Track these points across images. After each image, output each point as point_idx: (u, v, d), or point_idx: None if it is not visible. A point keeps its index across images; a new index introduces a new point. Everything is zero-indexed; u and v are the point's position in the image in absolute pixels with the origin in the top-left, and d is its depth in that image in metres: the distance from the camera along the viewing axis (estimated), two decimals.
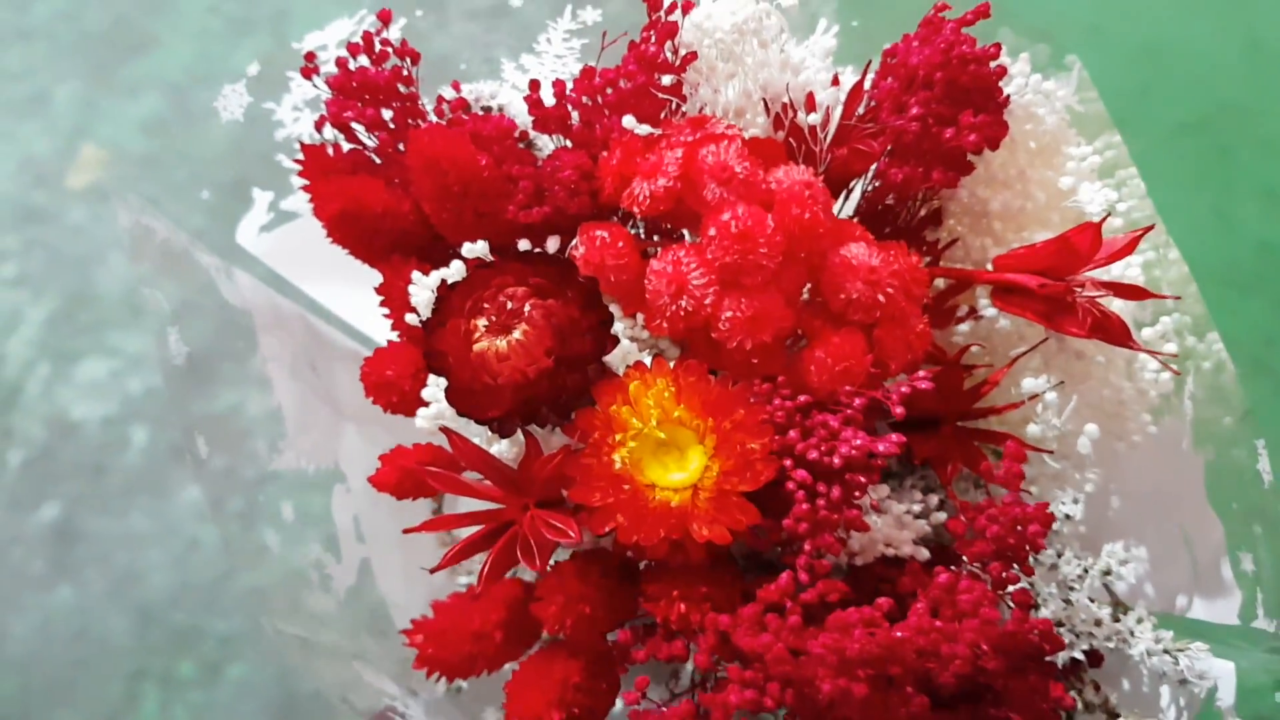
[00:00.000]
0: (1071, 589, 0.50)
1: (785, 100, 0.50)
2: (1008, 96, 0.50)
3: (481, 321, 0.43)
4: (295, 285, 0.62)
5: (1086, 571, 0.50)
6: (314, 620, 0.55)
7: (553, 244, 0.50)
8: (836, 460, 0.42)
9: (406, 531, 0.47)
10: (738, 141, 0.46)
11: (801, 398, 0.45)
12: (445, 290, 0.44)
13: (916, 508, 0.48)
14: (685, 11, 0.50)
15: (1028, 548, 0.43)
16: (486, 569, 0.46)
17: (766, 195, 0.46)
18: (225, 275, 0.58)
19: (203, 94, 1.23)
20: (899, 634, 0.40)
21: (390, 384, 0.51)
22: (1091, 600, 0.50)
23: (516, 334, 0.42)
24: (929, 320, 0.48)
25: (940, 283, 0.53)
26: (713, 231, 0.45)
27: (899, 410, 0.44)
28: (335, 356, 0.61)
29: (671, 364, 0.45)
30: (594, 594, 0.46)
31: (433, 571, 0.48)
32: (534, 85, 0.51)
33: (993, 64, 0.49)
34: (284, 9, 1.27)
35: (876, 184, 0.51)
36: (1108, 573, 0.50)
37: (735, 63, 0.50)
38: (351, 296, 0.57)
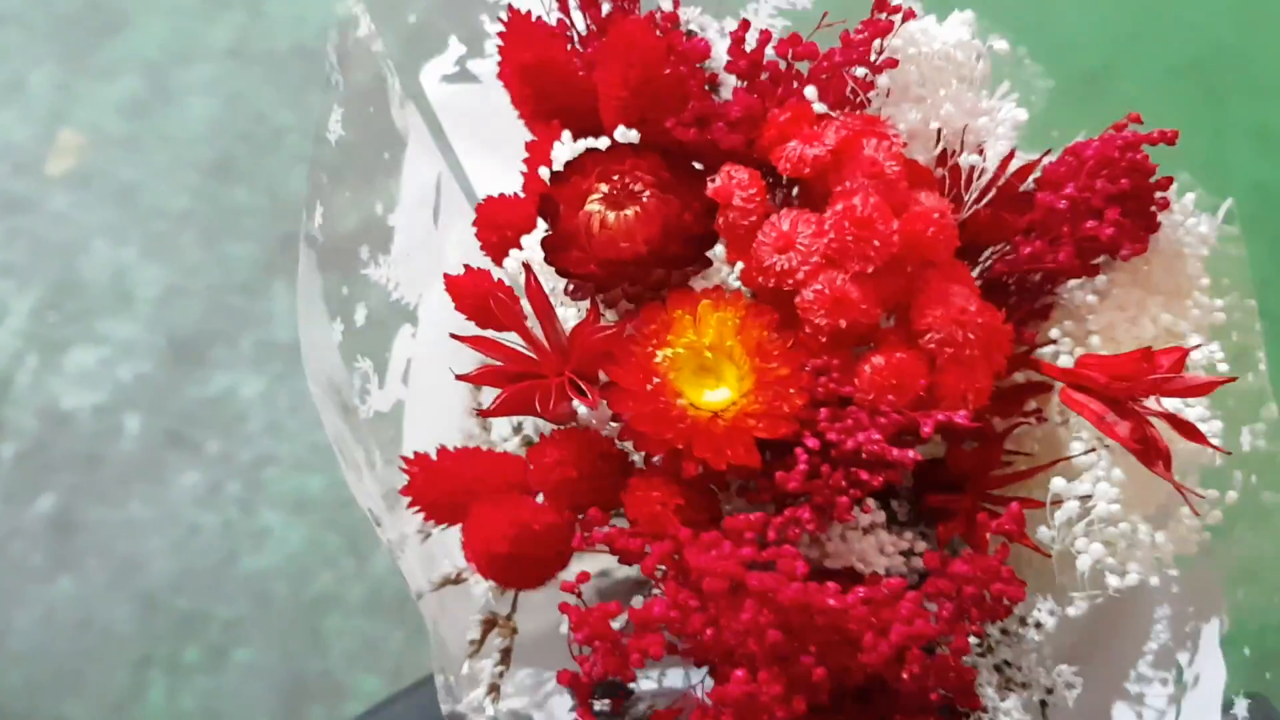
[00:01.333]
0: (1010, 690, 0.49)
1: (959, 141, 0.51)
2: (1159, 223, 0.51)
3: (603, 187, 0.46)
4: (450, 142, 0.63)
5: (1028, 684, 0.49)
6: (344, 412, 0.57)
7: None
8: (850, 443, 0.43)
9: (459, 378, 0.48)
10: (899, 148, 0.48)
11: (847, 388, 0.46)
12: (585, 154, 0.47)
13: (904, 545, 0.48)
14: (906, 19, 0.51)
15: (987, 601, 0.43)
16: (499, 400, 0.47)
17: (902, 203, 0.47)
18: (400, 97, 0.59)
19: (180, 73, 1.21)
20: (832, 601, 0.41)
21: (498, 225, 0.53)
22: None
23: (628, 211, 0.45)
24: (996, 404, 0.49)
25: (1020, 378, 0.53)
26: (839, 207, 0.46)
27: (927, 430, 0.45)
28: (455, 218, 0.61)
29: None
30: (585, 466, 0.48)
31: (458, 379, 0.49)
32: (744, 25, 0.52)
33: (1158, 194, 0.51)
34: None
35: (1005, 250, 0.52)
36: (1050, 690, 0.50)
37: (930, 88, 0.51)
38: (495, 176, 0.57)
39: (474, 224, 0.53)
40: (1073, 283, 0.52)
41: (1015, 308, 0.53)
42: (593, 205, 0.46)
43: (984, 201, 0.51)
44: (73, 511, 1.02)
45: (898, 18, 0.51)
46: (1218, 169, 0.96)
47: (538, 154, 0.53)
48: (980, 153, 0.51)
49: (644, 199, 0.45)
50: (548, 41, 0.53)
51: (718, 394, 0.45)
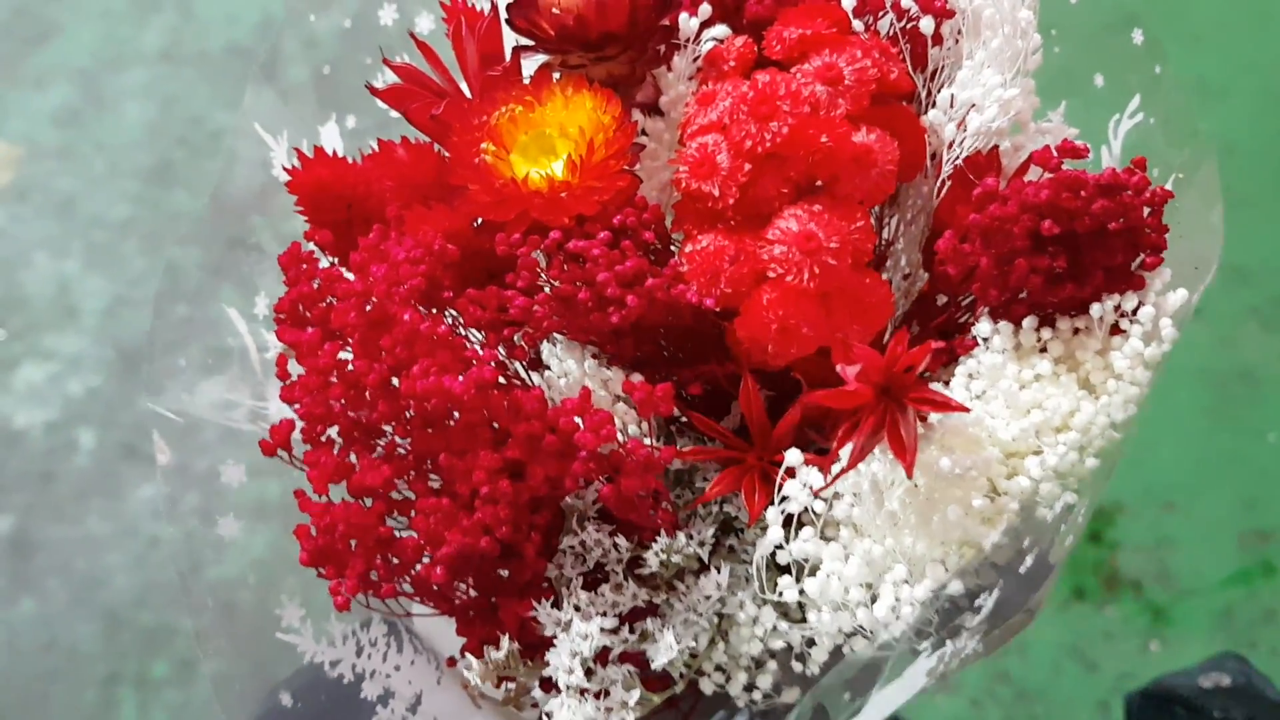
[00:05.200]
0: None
1: (966, 110, 0.46)
2: (1139, 280, 0.43)
3: None
4: None
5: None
6: None
7: (721, 30, 0.49)
8: (593, 254, 0.43)
9: (372, 90, 0.49)
10: (875, 74, 0.44)
11: (648, 234, 0.44)
12: None
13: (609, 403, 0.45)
14: None
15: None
16: (391, 87, 0.49)
17: (838, 119, 0.44)
18: None
19: (113, 79, 1.19)
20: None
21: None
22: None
23: None
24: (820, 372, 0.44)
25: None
26: (764, 78, 0.44)
27: (653, 281, 0.43)
28: None
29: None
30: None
31: (370, 90, 0.49)
32: None
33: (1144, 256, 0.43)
34: None
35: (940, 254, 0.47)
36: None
37: (973, 40, 0.47)
38: None
39: None
40: (984, 324, 0.44)
41: (941, 318, 0.48)
42: None
43: (942, 176, 0.48)
44: (30, 531, 1.00)
45: None
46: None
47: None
48: (961, 126, 0.47)
49: None
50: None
51: (540, 169, 0.45)
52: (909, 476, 0.40)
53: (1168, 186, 0.46)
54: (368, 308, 0.42)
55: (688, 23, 0.48)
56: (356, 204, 0.48)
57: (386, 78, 0.51)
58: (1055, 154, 0.43)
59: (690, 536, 0.44)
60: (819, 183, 0.45)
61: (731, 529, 0.47)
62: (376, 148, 0.51)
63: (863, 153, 0.44)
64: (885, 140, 0.44)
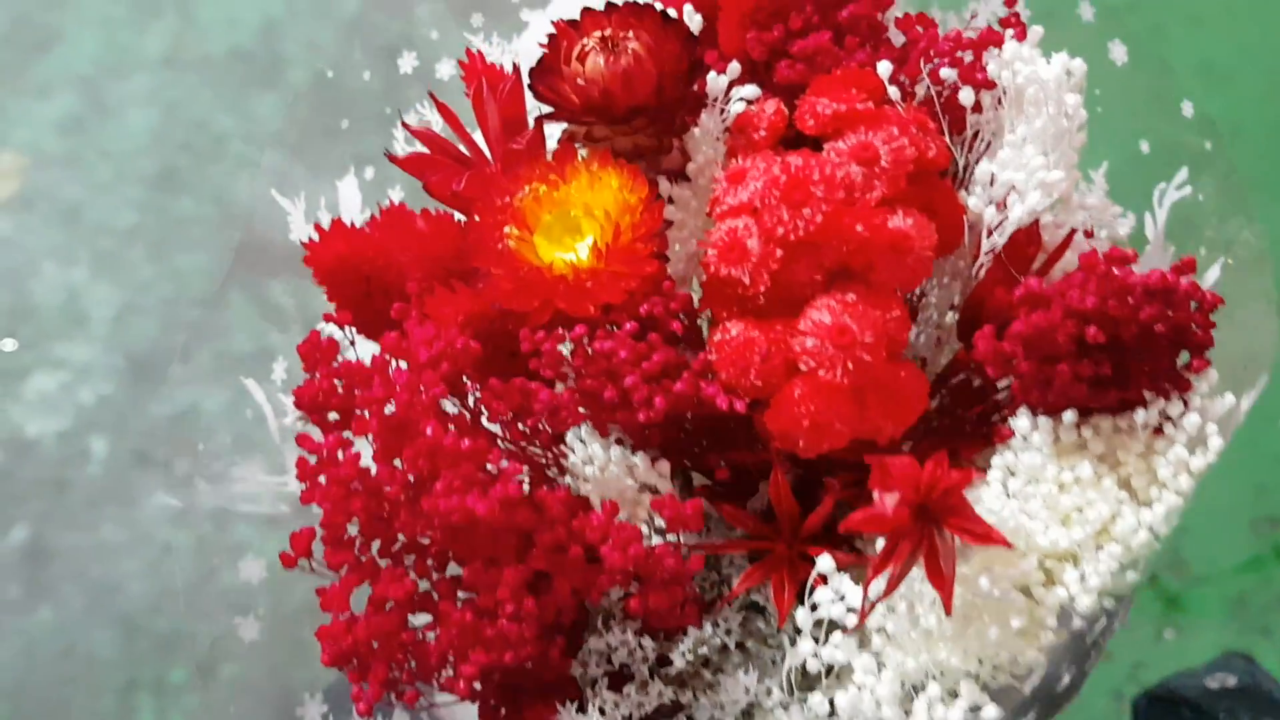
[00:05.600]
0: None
1: (1006, 190, 0.45)
2: (1181, 383, 0.42)
3: (607, 32, 0.45)
4: None
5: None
6: None
7: (751, 90, 0.48)
8: (620, 353, 0.42)
9: (390, 158, 0.48)
10: (913, 153, 0.42)
11: (676, 324, 0.43)
12: (610, 5, 0.47)
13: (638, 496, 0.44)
14: (1019, 37, 0.47)
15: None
16: (412, 157, 0.49)
17: (873, 203, 0.42)
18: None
19: (115, 85, 1.19)
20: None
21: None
22: None
23: (601, 60, 0.44)
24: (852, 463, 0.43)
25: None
26: (796, 161, 0.42)
27: (680, 385, 0.41)
28: None
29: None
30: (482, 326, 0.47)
31: (388, 157, 0.49)
32: None
33: (1188, 359, 0.42)
34: None
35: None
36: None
37: (1015, 115, 0.45)
38: None
39: None
40: (1023, 419, 0.43)
41: (975, 409, 0.46)
42: (588, 41, 0.45)
43: (979, 263, 0.45)
44: (45, 540, 1.01)
45: (1009, 33, 0.47)
46: (1165, 106, 0.95)
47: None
48: (1001, 207, 0.44)
49: (627, 54, 0.44)
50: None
51: (565, 252, 0.44)
52: (948, 612, 0.38)
53: (1214, 268, 0.44)
54: (389, 410, 0.40)
55: (716, 81, 0.46)
56: (375, 276, 0.47)
57: (406, 136, 0.50)
58: (1102, 260, 0.41)
59: (716, 625, 0.43)
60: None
61: (758, 610, 0.46)
62: (398, 199, 0.50)
63: (899, 239, 0.42)
64: (923, 224, 0.42)
